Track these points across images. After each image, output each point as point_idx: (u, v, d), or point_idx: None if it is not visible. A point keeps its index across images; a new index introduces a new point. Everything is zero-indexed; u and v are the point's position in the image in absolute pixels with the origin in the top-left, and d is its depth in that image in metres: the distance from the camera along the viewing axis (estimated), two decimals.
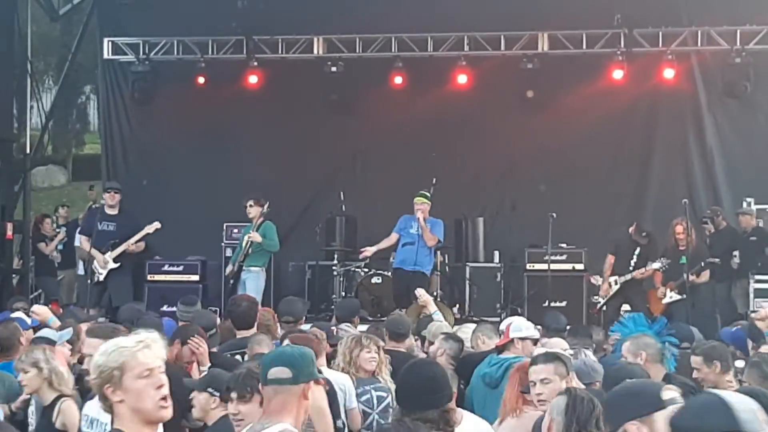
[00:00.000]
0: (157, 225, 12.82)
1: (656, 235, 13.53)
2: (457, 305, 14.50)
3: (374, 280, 14.03)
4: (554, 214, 13.40)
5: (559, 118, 15.65)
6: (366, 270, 14.26)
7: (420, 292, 9.82)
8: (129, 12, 16.67)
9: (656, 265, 13.11)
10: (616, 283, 13.36)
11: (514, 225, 15.12)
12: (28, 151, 15.77)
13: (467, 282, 14.78)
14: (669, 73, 15.46)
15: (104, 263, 12.62)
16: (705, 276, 13.19)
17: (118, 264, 12.68)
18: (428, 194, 12.93)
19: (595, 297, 13.72)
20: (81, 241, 13.55)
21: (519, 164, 15.79)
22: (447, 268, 15.15)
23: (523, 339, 6.80)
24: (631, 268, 13.29)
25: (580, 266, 14.30)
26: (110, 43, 16.96)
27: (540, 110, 15.62)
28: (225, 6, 15.71)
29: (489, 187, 15.76)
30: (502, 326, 7.09)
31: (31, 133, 16.02)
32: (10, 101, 15.10)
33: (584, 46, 15.68)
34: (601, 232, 14.67)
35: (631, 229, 13.56)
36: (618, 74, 15.42)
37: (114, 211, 12.99)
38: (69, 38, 21.64)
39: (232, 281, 13.09)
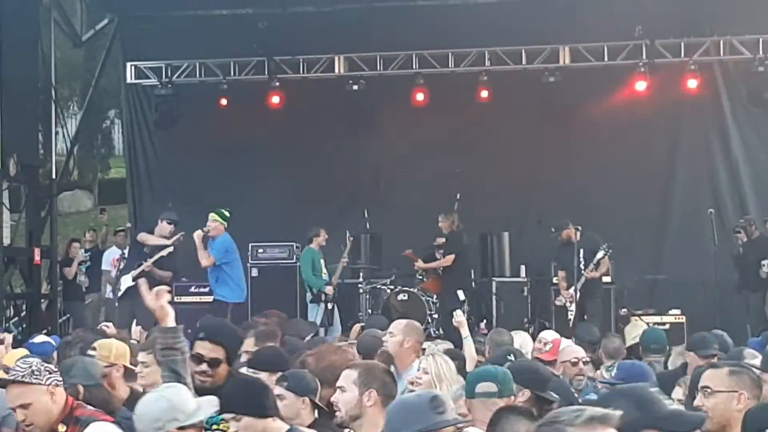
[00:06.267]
0: (170, 249, 12.85)
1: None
2: (484, 320, 14.44)
3: (400, 297, 14.01)
4: (579, 227, 13.31)
5: (581, 131, 15.60)
6: (392, 287, 14.25)
7: (457, 313, 9.78)
8: (151, 36, 16.80)
9: (600, 254, 12.71)
10: (576, 291, 12.89)
11: (539, 239, 15.03)
12: (54, 176, 15.84)
13: (494, 296, 14.73)
14: (692, 84, 15.37)
15: (115, 283, 12.69)
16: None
17: (133, 283, 12.72)
18: (222, 212, 12.58)
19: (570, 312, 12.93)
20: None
21: (542, 178, 15.75)
22: (473, 283, 15.11)
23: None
24: (583, 271, 12.78)
25: (606, 278, 14.12)
26: (133, 67, 17.09)
27: (562, 123, 15.56)
28: (246, 28, 15.78)
29: (513, 201, 15.71)
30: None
31: (56, 159, 16.06)
32: (35, 127, 15.19)
33: (606, 59, 15.64)
34: (626, 244, 14.55)
35: (562, 236, 13.04)
36: (641, 86, 15.36)
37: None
38: (92, 63, 21.80)
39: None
